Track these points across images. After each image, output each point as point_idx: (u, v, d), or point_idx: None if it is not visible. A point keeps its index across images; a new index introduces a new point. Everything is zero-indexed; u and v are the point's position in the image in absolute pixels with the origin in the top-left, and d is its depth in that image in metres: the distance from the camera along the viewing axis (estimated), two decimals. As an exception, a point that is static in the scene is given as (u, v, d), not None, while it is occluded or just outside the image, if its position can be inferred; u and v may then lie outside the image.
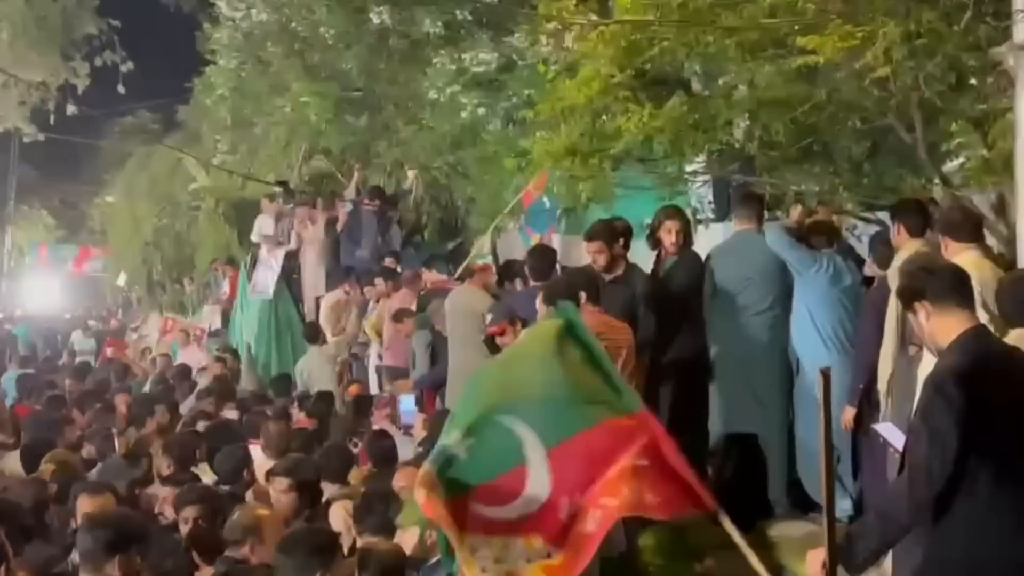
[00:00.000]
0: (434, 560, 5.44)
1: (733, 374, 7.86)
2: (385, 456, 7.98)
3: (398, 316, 11.45)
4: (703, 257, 8.35)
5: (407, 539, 5.50)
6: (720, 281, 8.04)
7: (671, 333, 8.13)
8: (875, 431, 6.24)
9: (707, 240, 9.59)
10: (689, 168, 8.95)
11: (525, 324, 8.14)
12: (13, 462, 9.11)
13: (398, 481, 6.50)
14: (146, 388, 14.62)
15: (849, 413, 7.08)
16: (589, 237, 8.28)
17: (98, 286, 41.72)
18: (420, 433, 9.61)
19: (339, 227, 15.24)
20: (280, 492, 6.68)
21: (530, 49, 11.83)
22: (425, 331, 10.79)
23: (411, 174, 15.72)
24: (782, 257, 7.70)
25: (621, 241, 8.26)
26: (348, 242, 14.87)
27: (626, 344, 7.24)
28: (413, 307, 11.53)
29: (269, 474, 7.03)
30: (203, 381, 13.39)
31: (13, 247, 44.72)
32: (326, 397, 11.16)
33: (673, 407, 7.99)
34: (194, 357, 16.49)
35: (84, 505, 6.39)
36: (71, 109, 23.00)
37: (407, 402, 10.44)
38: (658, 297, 8.02)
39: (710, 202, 10.21)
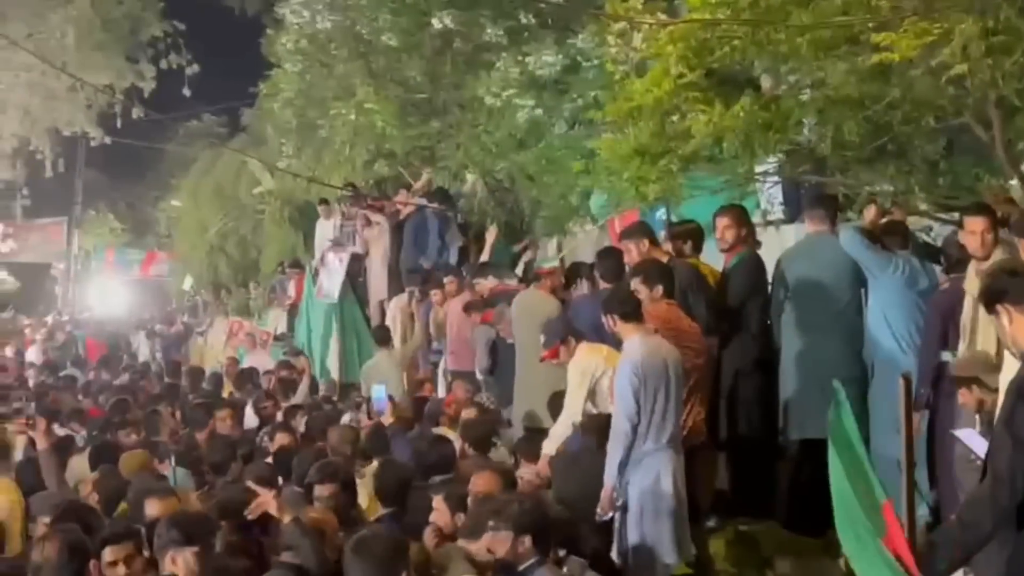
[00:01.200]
0: (526, 565, 5.42)
1: (806, 379, 7.78)
2: (447, 461, 7.95)
3: (468, 308, 11.46)
4: (777, 260, 8.27)
5: (498, 542, 5.46)
6: (793, 284, 7.96)
7: (729, 335, 8.09)
8: (953, 436, 6.15)
9: (777, 242, 9.51)
10: (759, 169, 8.87)
11: (581, 338, 8.15)
12: (81, 463, 9.24)
13: (475, 486, 6.49)
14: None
15: (918, 418, 6.98)
16: (621, 236, 8.31)
17: (164, 290, 42.25)
18: (387, 420, 9.75)
19: (403, 230, 15.30)
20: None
21: (596, 50, 11.79)
22: (488, 327, 10.82)
23: (471, 178, 15.74)
24: (856, 259, 7.61)
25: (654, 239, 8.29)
26: (411, 245, 14.92)
27: (705, 349, 7.24)
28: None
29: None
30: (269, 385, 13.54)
31: (80, 250, 45.41)
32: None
33: (734, 410, 7.96)
34: (260, 361, 16.64)
35: (152, 508, 6.46)
36: (137, 112, 23.35)
37: (379, 391, 10.57)
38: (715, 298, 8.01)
39: (781, 203, 10.13)
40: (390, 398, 10.70)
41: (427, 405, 10.83)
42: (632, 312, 7.00)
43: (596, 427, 7.24)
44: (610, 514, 6.75)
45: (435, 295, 13.04)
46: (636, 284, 7.55)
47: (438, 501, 6.58)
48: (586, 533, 6.51)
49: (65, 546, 5.48)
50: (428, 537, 6.24)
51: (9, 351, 24.39)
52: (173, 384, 15.35)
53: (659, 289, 7.45)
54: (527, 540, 5.41)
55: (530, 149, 13.71)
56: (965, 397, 6.35)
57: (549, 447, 7.87)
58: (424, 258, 14.52)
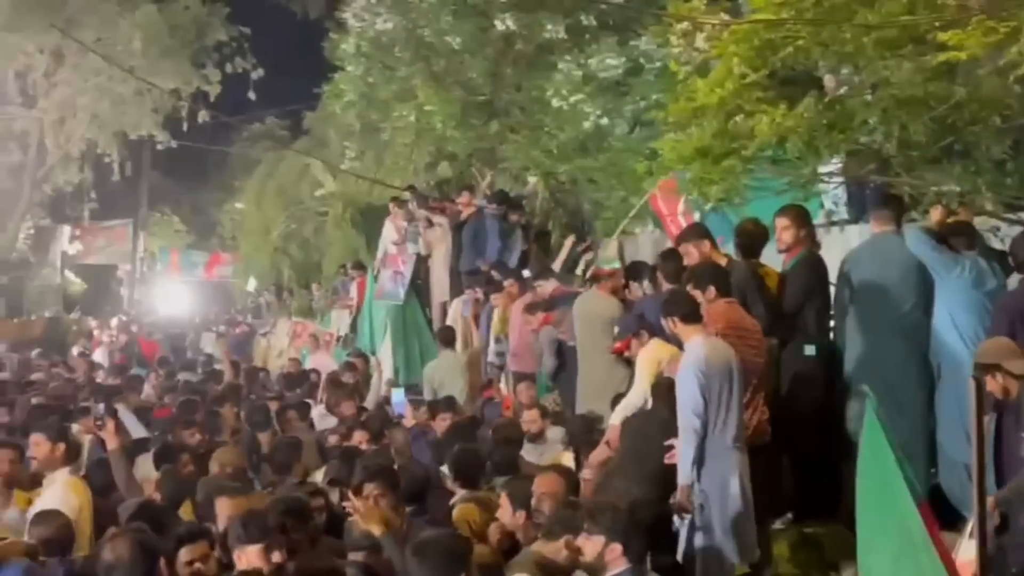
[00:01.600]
0: (614, 573, 5.44)
1: (871, 380, 7.72)
2: (509, 463, 7.98)
3: (530, 308, 11.47)
4: (841, 261, 8.22)
5: (590, 546, 5.47)
6: (857, 285, 7.90)
7: (789, 337, 8.06)
8: (1021, 439, 6.09)
9: (841, 242, 9.45)
10: (823, 169, 8.82)
11: (654, 333, 8.16)
12: (147, 463, 9.37)
13: (539, 487, 6.52)
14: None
15: (987, 421, 6.91)
16: (679, 239, 8.31)
17: (228, 291, 42.76)
18: (410, 422, 9.77)
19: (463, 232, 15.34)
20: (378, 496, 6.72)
21: (658, 51, 11.79)
22: (551, 328, 10.84)
23: (532, 179, 15.77)
24: (922, 260, 7.54)
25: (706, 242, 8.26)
26: (471, 247, 14.96)
27: (765, 348, 7.22)
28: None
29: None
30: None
31: (145, 252, 46.04)
32: (451, 402, 11.19)
33: (795, 412, 7.92)
34: (323, 362, 16.79)
35: (223, 507, 6.54)
36: (203, 116, 23.67)
37: (398, 394, 10.57)
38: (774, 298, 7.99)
39: (845, 203, 10.05)
40: (409, 401, 10.78)
41: (488, 407, 10.89)
42: (692, 314, 7.00)
43: (666, 390, 7.22)
44: (688, 517, 6.75)
45: (496, 297, 13.06)
46: (689, 288, 7.55)
47: (503, 499, 6.65)
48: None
49: (136, 545, 5.49)
50: (492, 534, 6.30)
51: (76, 352, 24.76)
52: (236, 384, 15.48)
53: (711, 290, 7.42)
54: (617, 547, 5.39)
55: (592, 151, 13.74)
56: (990, 384, 6.28)
57: (616, 418, 7.91)
58: (482, 260, 14.55)
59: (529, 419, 9.29)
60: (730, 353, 6.96)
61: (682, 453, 6.75)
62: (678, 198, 10.79)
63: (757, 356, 7.40)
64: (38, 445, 7.82)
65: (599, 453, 7.77)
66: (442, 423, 9.75)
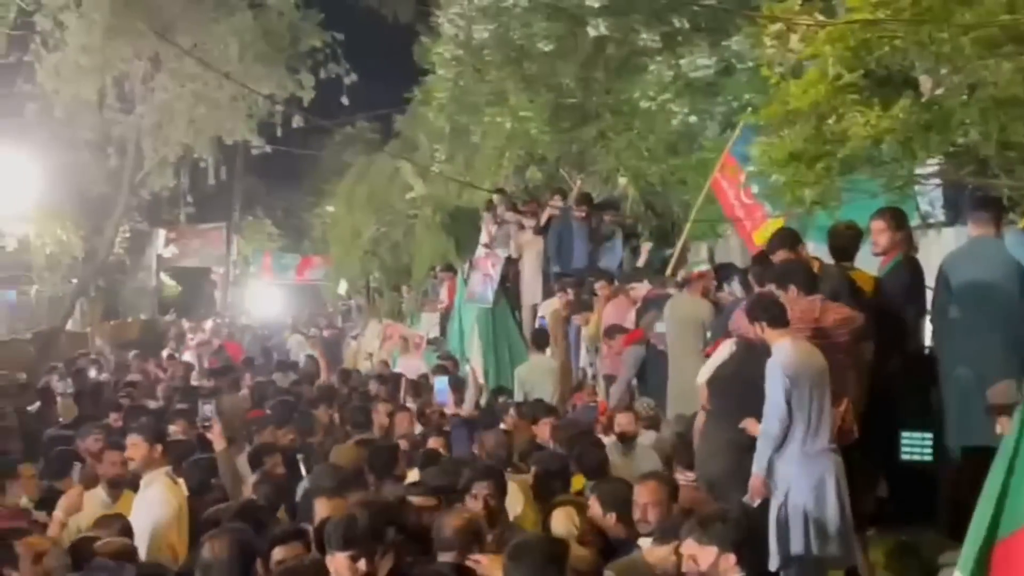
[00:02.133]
0: None
1: (968, 385, 7.62)
2: (596, 466, 7.99)
3: (610, 332, 11.45)
4: (939, 264, 8.11)
5: (704, 555, 5.43)
6: (956, 288, 7.79)
7: (885, 341, 7.96)
8: None
9: (938, 246, 9.32)
10: (920, 171, 8.70)
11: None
12: (243, 464, 9.52)
13: (642, 496, 6.53)
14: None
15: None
16: (769, 243, 8.29)
17: (319, 294, 43.19)
18: (452, 411, 9.77)
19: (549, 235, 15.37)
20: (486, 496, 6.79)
21: (751, 52, 11.72)
22: (638, 346, 10.79)
23: (623, 182, 15.74)
24: (1022, 262, 7.42)
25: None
26: (554, 251, 14.98)
27: (851, 349, 7.15)
28: (631, 315, 11.53)
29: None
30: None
31: (239, 255, 46.70)
32: (541, 405, 11.20)
33: (891, 417, 7.83)
34: (413, 365, 16.91)
35: (322, 507, 6.63)
36: (297, 121, 23.98)
37: (441, 382, 10.57)
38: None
39: (942, 206, 9.91)
40: (451, 389, 10.82)
41: (581, 411, 10.89)
42: (778, 318, 6.97)
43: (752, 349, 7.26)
44: (758, 500, 6.74)
45: (579, 317, 13.06)
46: (772, 287, 7.51)
47: (592, 500, 6.68)
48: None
49: (234, 545, 5.58)
50: (585, 536, 6.34)
51: (165, 354, 25.23)
52: (331, 386, 15.66)
53: (793, 289, 7.38)
54: (731, 557, 5.33)
55: (683, 153, 13.70)
56: (1004, 426, 6.18)
57: (702, 376, 7.93)
58: (563, 263, 14.60)
59: (623, 422, 9.27)
60: (817, 355, 6.92)
61: (759, 449, 6.76)
62: (739, 176, 10.78)
63: (837, 354, 7.30)
64: (135, 446, 7.98)
65: (699, 419, 7.77)
66: (544, 427, 9.77)
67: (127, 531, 6.66)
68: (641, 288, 11.48)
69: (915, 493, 7.88)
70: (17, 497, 7.75)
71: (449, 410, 10.28)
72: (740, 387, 7.35)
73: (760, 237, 10.56)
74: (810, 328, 7.20)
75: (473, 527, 5.98)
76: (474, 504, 6.58)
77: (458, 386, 13.42)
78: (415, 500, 6.71)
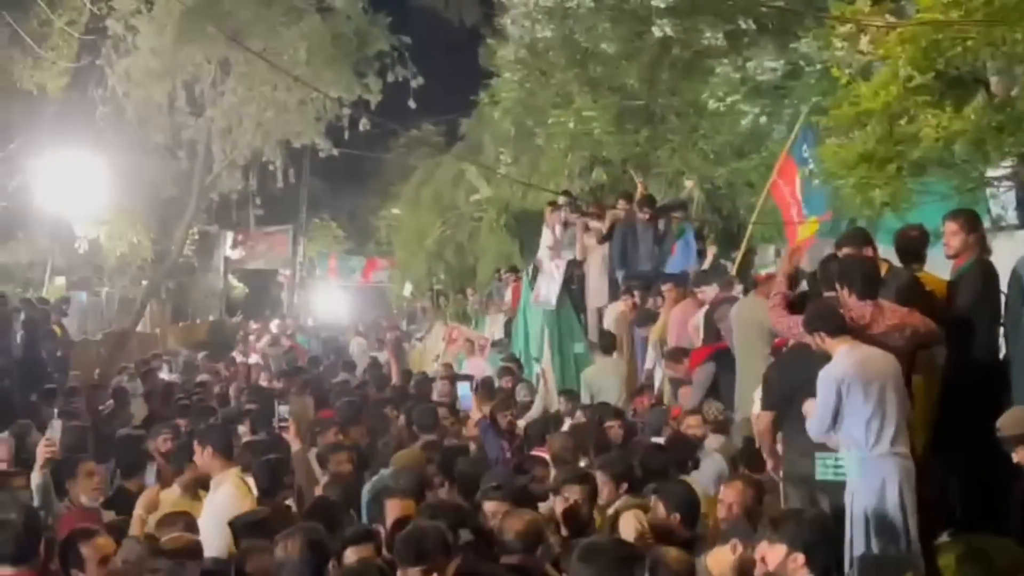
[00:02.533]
0: None
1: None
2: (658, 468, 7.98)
3: (675, 356, 11.32)
4: (1013, 267, 7.99)
5: (772, 554, 5.41)
6: (1032, 291, 7.67)
7: (956, 346, 7.86)
8: None
9: (1010, 248, 9.17)
10: (992, 173, 8.59)
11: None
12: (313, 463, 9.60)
13: (726, 496, 6.52)
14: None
15: None
16: (839, 244, 8.17)
17: (384, 296, 43.47)
18: (476, 415, 9.76)
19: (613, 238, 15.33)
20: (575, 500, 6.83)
21: (819, 53, 11.63)
22: (709, 365, 10.73)
23: (689, 184, 15.68)
24: (1098, 266, 7.30)
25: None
26: (618, 253, 14.94)
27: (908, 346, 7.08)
28: (697, 318, 11.47)
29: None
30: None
31: (305, 257, 47.12)
32: (607, 408, 11.17)
33: (962, 422, 7.73)
34: (478, 367, 16.93)
35: (392, 508, 6.69)
36: (364, 124, 24.13)
37: (463, 388, 10.57)
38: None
39: (1015, 208, 9.77)
40: (474, 391, 10.83)
41: (651, 414, 10.86)
42: (838, 327, 6.90)
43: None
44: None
45: (654, 302, 13.01)
46: (838, 287, 7.44)
47: (655, 502, 6.70)
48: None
49: (307, 544, 5.60)
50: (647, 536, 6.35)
51: (238, 356, 25.51)
52: (402, 387, 15.74)
53: (846, 291, 7.29)
54: (799, 557, 5.27)
55: (749, 155, 13.63)
56: (1020, 456, 6.09)
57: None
58: (628, 266, 14.57)
59: (690, 425, 9.23)
60: (887, 360, 6.85)
61: None
62: (795, 178, 10.71)
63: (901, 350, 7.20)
64: (203, 454, 8.06)
65: (763, 421, 7.76)
66: (611, 430, 9.76)
67: (192, 528, 6.74)
68: (709, 291, 11.39)
69: (989, 500, 7.78)
70: (85, 497, 7.86)
71: (475, 415, 10.28)
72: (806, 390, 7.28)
73: (804, 233, 10.53)
74: (861, 334, 7.12)
75: (535, 529, 6.00)
76: (562, 505, 6.67)
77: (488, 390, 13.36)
78: (489, 505, 6.72)
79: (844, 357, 6.79)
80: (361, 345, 27.36)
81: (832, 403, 6.69)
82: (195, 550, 6.23)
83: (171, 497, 7.91)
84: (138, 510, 7.20)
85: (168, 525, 6.75)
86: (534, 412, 12.56)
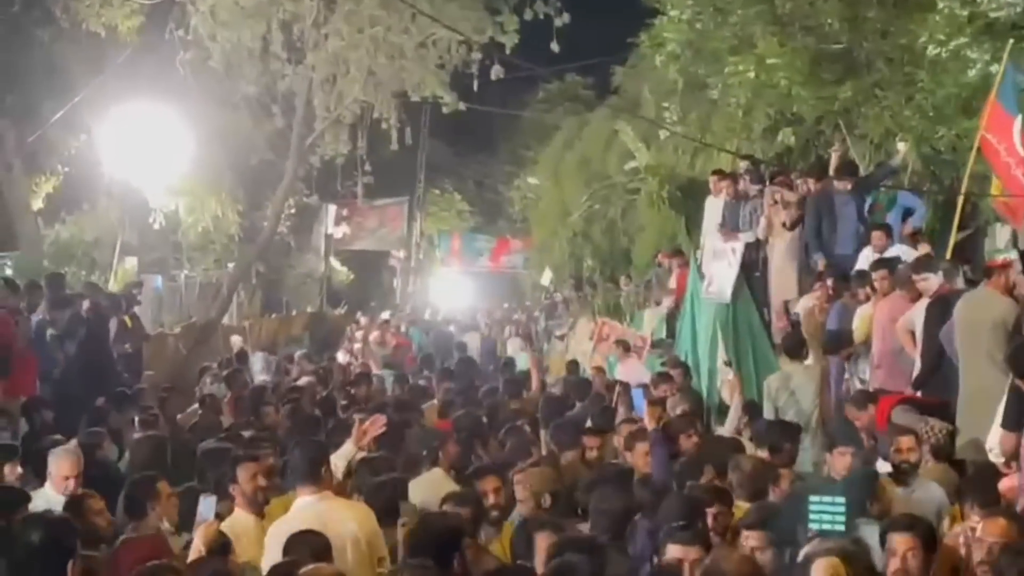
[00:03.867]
0: None
1: None
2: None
3: (859, 403, 11.04)
4: None
5: None
6: None
7: None
8: None
9: None
10: None
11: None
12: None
13: (987, 533, 6.47)
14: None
15: None
16: None
17: (516, 284, 43.65)
18: (651, 425, 9.66)
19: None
20: (756, 549, 6.85)
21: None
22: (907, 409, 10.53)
23: (902, 147, 15.44)
24: None
25: None
26: (813, 232, 14.75)
27: None
28: (912, 313, 11.29)
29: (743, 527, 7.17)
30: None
31: (422, 237, 47.43)
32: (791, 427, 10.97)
33: None
34: (634, 372, 16.83)
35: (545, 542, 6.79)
36: (496, 73, 24.06)
37: (638, 395, 10.56)
38: None
39: None
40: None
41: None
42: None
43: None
44: None
45: (861, 293, 12.81)
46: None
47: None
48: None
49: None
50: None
51: (342, 357, 25.80)
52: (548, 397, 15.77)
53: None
54: None
55: (979, 112, 13.38)
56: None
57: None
58: (825, 250, 14.39)
59: (904, 447, 9.04)
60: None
61: None
62: (1009, 128, 10.44)
63: None
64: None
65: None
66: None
67: (325, 552, 6.87)
68: (933, 280, 11.11)
69: None
70: (158, 520, 8.02)
71: (649, 424, 10.31)
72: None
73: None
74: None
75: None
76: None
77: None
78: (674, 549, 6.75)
79: None
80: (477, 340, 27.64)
81: None
82: None
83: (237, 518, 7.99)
84: (198, 542, 7.27)
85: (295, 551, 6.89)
86: (728, 428, 12.44)
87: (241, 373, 19.55)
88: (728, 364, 14.60)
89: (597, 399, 14.29)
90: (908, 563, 6.43)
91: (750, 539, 6.96)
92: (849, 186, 14.51)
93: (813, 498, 6.06)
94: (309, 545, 6.72)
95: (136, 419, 13.26)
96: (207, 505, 7.29)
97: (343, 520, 7.36)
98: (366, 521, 7.46)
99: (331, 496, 7.72)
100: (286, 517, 7.45)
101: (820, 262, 14.38)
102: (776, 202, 15.54)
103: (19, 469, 9.52)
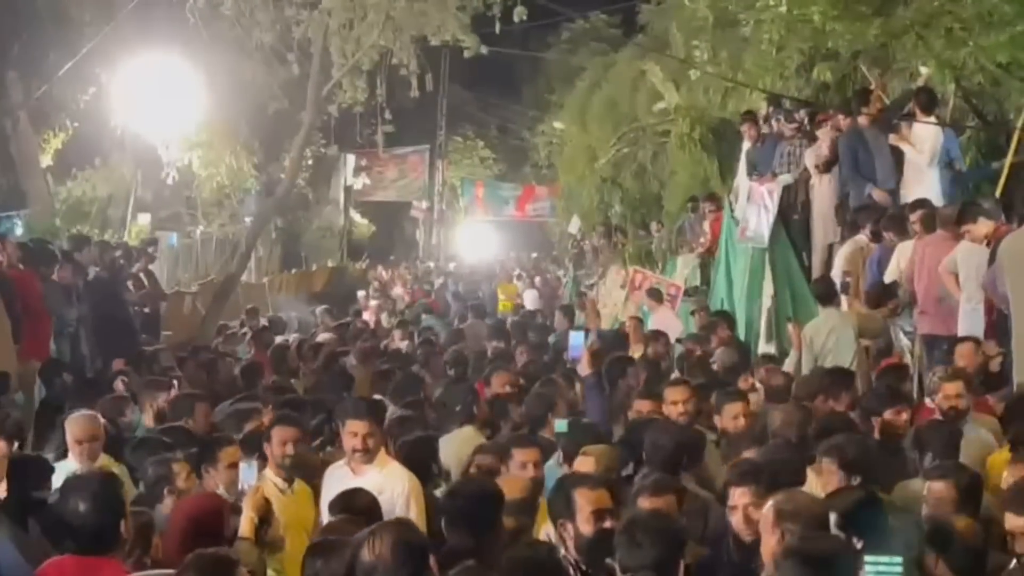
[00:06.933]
0: None
1: None
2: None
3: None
4: None
5: None
6: None
7: None
8: None
9: None
10: None
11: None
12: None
13: None
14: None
15: None
16: None
17: (543, 233, 43.61)
18: (584, 371, 9.65)
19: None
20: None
21: None
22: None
23: (924, 71, 15.34)
24: None
25: None
26: (853, 170, 14.64)
27: None
28: (953, 256, 11.25)
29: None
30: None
31: (444, 186, 47.35)
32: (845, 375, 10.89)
33: None
34: (668, 322, 16.78)
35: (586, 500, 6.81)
36: (519, 14, 23.90)
37: (576, 337, 10.55)
38: None
39: None
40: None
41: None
42: None
43: None
44: None
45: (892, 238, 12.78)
46: None
47: None
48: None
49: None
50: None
51: (368, 315, 25.82)
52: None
53: None
54: None
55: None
56: None
57: None
58: (868, 187, 14.31)
59: (950, 393, 9.00)
60: None
61: None
62: None
63: None
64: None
65: None
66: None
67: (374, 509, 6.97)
68: (983, 225, 11.00)
69: None
70: (224, 490, 8.07)
71: (583, 370, 10.26)
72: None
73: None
74: None
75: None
76: None
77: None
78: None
79: None
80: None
81: None
82: None
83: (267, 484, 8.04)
84: (248, 511, 7.31)
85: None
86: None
87: (267, 332, 19.51)
88: (791, 319, 14.37)
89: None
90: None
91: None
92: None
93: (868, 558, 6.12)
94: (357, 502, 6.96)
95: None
96: (249, 471, 7.37)
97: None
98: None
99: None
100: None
101: (874, 193, 14.29)
102: (812, 140, 15.51)
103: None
